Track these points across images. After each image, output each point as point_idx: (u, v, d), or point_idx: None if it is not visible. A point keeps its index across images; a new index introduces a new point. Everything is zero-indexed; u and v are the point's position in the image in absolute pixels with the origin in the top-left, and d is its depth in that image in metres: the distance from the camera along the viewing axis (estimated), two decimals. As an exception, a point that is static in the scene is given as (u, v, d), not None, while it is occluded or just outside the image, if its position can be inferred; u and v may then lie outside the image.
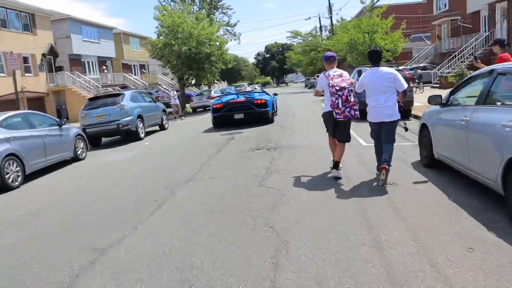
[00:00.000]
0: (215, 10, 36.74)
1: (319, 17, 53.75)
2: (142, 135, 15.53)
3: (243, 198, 5.89)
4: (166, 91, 39.45)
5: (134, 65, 46.79)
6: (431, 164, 6.76)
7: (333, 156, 6.91)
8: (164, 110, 18.58)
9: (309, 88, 59.90)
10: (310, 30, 50.32)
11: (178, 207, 5.82)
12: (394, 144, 6.23)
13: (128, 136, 15.46)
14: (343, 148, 6.73)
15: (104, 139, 16.39)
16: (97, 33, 38.22)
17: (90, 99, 15.71)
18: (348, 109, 6.36)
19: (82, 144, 12.31)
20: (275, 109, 17.13)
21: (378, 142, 6.45)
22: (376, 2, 26.80)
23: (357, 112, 6.49)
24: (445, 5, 37.96)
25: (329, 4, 44.14)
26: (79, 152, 11.99)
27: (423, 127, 7.16)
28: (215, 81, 61.78)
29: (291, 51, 67.76)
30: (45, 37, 31.66)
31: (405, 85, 6.21)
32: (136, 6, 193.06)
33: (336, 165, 6.63)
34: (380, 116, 6.17)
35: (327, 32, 49.73)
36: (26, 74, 29.62)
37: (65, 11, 41.32)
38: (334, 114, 6.48)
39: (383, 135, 6.24)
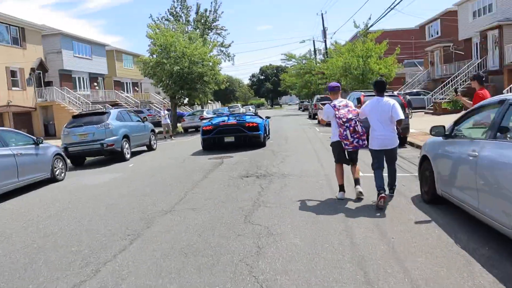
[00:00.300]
0: (209, 31, 36.44)
1: (313, 41, 53.79)
2: (127, 156, 14.87)
3: (225, 237, 5.22)
4: (158, 109, 38.91)
5: (126, 83, 46.30)
6: (433, 200, 6.19)
7: (339, 183, 6.92)
8: (152, 130, 17.96)
9: (303, 110, 59.74)
10: (305, 53, 50.44)
11: (150, 245, 5.14)
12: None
13: (113, 156, 14.80)
14: (356, 167, 6.89)
15: (88, 158, 15.71)
16: (89, 49, 37.77)
17: (74, 117, 15.07)
18: (356, 140, 6.49)
19: (60, 164, 11.61)
20: (267, 133, 16.59)
21: (380, 172, 6.45)
22: (370, 27, 26.65)
23: (365, 142, 6.59)
24: (438, 32, 38.13)
25: (323, 28, 44.23)
26: (57, 173, 11.29)
27: (424, 159, 6.59)
28: (209, 101, 61.48)
29: (285, 73, 67.89)
30: (35, 52, 31.12)
31: (401, 115, 6.43)
32: (132, 24, 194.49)
33: (356, 182, 6.78)
34: (384, 144, 6.45)
35: (321, 55, 49.77)
36: (14, 88, 28.97)
37: (62, 28, 40.77)
38: (343, 144, 6.60)
39: (387, 159, 6.60)
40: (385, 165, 6.67)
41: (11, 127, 27.78)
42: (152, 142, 17.70)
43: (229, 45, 38.02)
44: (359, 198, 6.66)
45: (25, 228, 6.54)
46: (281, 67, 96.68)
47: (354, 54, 26.53)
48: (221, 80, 29.59)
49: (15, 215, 7.65)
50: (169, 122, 24.63)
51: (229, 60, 35.63)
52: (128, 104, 39.91)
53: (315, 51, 51.79)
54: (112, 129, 14.22)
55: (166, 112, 24.84)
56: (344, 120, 6.49)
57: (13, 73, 29.18)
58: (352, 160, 6.89)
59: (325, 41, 43.90)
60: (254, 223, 5.72)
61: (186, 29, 31.15)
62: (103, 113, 14.79)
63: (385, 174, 6.60)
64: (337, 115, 6.57)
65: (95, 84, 38.95)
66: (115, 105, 38.03)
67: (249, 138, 14.57)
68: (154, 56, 27.74)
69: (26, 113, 30.29)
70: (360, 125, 6.59)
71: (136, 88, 48.09)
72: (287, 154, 12.85)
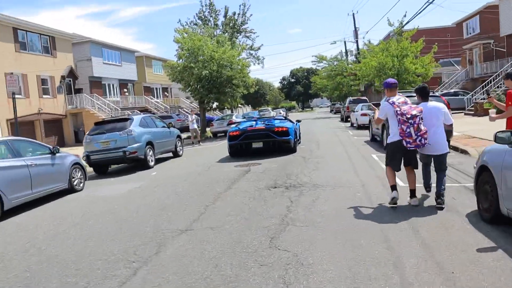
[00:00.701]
0: (238, 34, 35.77)
1: (345, 42, 52.58)
2: (151, 163, 14.24)
3: (245, 268, 4.33)
4: (187, 114, 38.52)
5: (156, 88, 46.27)
6: (496, 220, 5.13)
7: (391, 183, 6.39)
8: (178, 136, 17.31)
9: (334, 113, 58.33)
10: (336, 55, 49.13)
11: (156, 277, 4.31)
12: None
13: (137, 163, 14.22)
14: (413, 172, 6.45)
15: (112, 166, 15.20)
16: (119, 56, 37.81)
17: (97, 124, 14.57)
18: (419, 138, 6.07)
19: (79, 174, 11.05)
20: (298, 137, 15.65)
21: (427, 167, 6.65)
22: (405, 24, 25.26)
23: (427, 141, 6.15)
24: (477, 28, 36.19)
25: (355, 28, 42.88)
26: (75, 183, 10.73)
27: (483, 171, 5.53)
28: (239, 105, 60.92)
29: (316, 75, 66.63)
30: (65, 60, 31.27)
31: (452, 120, 6.59)
32: (164, 32, 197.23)
33: (412, 194, 6.36)
34: (433, 150, 6.30)
35: (353, 56, 48.35)
36: (44, 96, 29.11)
37: (96, 36, 40.90)
38: (405, 143, 6.15)
39: (436, 165, 6.40)
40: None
41: (42, 134, 27.97)
42: (178, 149, 17.05)
43: (259, 48, 37.23)
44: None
45: (26, 250, 5.86)
46: (312, 70, 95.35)
47: (388, 53, 25.19)
48: (250, 83, 28.80)
49: (22, 231, 7.02)
50: (196, 127, 24.05)
51: (258, 63, 34.75)
52: (158, 110, 39.75)
53: (346, 52, 50.43)
54: (135, 136, 13.63)
55: (194, 117, 24.27)
56: (408, 116, 6.02)
57: (43, 81, 29.34)
58: (411, 162, 6.42)
59: (356, 42, 42.54)
60: (280, 248, 4.81)
61: (214, 33, 30.50)
62: (126, 120, 14.22)
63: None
64: (398, 112, 6.07)
65: (125, 90, 38.98)
66: (144, 110, 37.94)
67: (278, 143, 13.67)
68: (182, 60, 27.25)
69: (57, 120, 30.39)
70: (423, 123, 6.13)
71: (166, 93, 48.03)
72: (319, 160, 11.88)
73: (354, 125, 25.64)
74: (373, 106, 8.54)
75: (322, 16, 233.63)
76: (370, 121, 16.79)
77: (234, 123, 25.25)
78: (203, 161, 14.44)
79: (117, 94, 38.02)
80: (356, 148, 14.39)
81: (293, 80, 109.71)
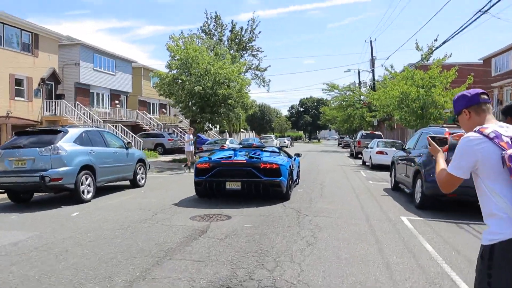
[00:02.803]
0: (244, 52, 31.94)
1: (359, 71, 48.45)
2: (88, 196, 9.93)
3: None
4: (182, 133, 34.38)
5: (153, 104, 42.32)
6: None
7: None
8: (141, 161, 13.00)
9: (343, 147, 54.07)
10: (348, 84, 44.99)
11: None
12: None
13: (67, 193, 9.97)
14: None
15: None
16: (113, 64, 34.00)
17: (18, 134, 10.32)
18: None
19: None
20: (294, 178, 11.29)
21: None
22: (434, 50, 21.08)
23: None
24: (508, 65, 32.03)
25: (372, 56, 38.83)
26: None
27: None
28: (241, 130, 56.80)
29: (326, 106, 62.65)
30: (48, 61, 27.42)
31: None
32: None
33: None
34: None
35: (367, 87, 44.31)
36: (17, 98, 25.17)
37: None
38: None
39: None
40: None
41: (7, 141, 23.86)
42: (138, 177, 12.72)
43: (265, 69, 33.45)
44: None
45: None
46: (322, 100, 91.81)
47: (413, 82, 20.95)
48: (249, 104, 24.60)
49: None
50: (192, 149, 19.89)
51: (263, 85, 30.85)
52: (150, 127, 35.66)
53: (359, 82, 46.35)
54: (63, 155, 9.38)
55: (191, 137, 20.05)
56: None
57: (18, 82, 25.45)
58: None
59: (373, 71, 38.48)
60: None
61: (215, 45, 26.55)
62: (56, 132, 10.00)
63: None
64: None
65: (117, 102, 34.98)
66: (134, 126, 33.90)
67: (264, 186, 9.31)
68: (174, 71, 23.18)
69: (28, 127, 26.25)
70: None
71: (163, 110, 44.03)
72: (321, 222, 7.49)
73: (367, 163, 21.28)
74: (429, 139, 2.79)
75: (336, 46, 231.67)
76: (393, 163, 12.43)
77: (227, 149, 20.98)
78: (160, 200, 10.09)
79: (107, 105, 34.05)
80: (375, 201, 10.00)
81: (302, 109, 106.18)
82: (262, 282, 4.45)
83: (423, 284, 4.48)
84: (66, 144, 9.65)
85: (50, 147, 9.32)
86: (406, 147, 11.57)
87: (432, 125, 14.02)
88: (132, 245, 5.86)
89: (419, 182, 9.19)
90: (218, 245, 5.86)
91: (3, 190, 9.87)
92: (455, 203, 9.18)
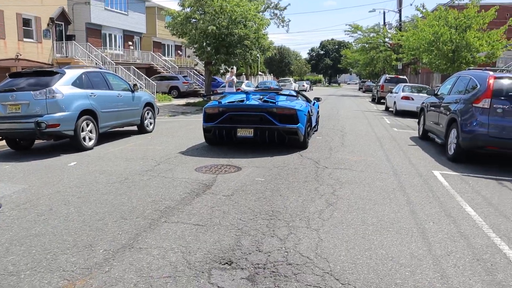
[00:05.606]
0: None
1: (384, 12, 45.69)
2: (89, 143, 9.23)
3: None
4: (200, 75, 33.27)
5: (168, 45, 40.94)
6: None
7: None
8: (149, 104, 12.17)
9: (364, 91, 52.29)
10: (372, 25, 42.46)
11: None
12: None
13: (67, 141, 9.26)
14: None
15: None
16: (125, 3, 32.44)
17: (12, 75, 9.47)
18: None
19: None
20: (312, 124, 10.33)
21: None
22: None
23: None
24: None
25: (400, -6, 36.19)
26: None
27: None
28: (259, 73, 55.20)
29: (347, 49, 60.04)
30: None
31: None
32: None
33: None
34: None
35: (392, 29, 41.85)
36: (26, 39, 24.23)
37: None
38: None
39: None
40: None
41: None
42: (146, 122, 11.95)
43: (285, 8, 31.33)
44: None
45: None
46: (344, 43, 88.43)
47: (446, 23, 19.12)
48: (266, 46, 23.20)
49: None
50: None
51: (283, 26, 28.90)
52: (165, 69, 34.55)
53: (384, 23, 43.74)
54: (59, 99, 8.57)
55: (233, 78, 19.08)
56: None
57: (26, 22, 24.41)
58: None
59: (400, 11, 36.00)
60: None
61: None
62: (52, 73, 9.13)
63: None
64: None
65: (130, 43, 33.75)
66: (149, 68, 32.88)
67: (279, 133, 8.42)
68: (188, 10, 21.78)
69: (40, 70, 25.57)
70: None
71: (179, 52, 42.60)
72: (343, 176, 6.62)
73: (391, 109, 20.08)
74: None
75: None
76: (422, 110, 11.31)
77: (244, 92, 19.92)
78: (166, 147, 9.32)
79: (119, 47, 32.93)
80: (402, 151, 9.04)
81: (322, 52, 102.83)
82: (271, 255, 3.66)
83: (470, 260, 3.63)
84: (63, 86, 8.81)
85: (45, 90, 8.49)
86: (439, 93, 10.41)
87: (471, 67, 12.67)
88: (124, 203, 5.11)
89: (453, 132, 8.15)
90: (223, 204, 5.08)
91: (1, 137, 9.25)
92: (491, 157, 8.18)
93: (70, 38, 27.44)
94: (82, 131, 9.07)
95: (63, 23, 27.35)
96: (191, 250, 3.75)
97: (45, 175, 6.69)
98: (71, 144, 9.12)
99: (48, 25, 25.70)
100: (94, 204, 5.10)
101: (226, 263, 3.52)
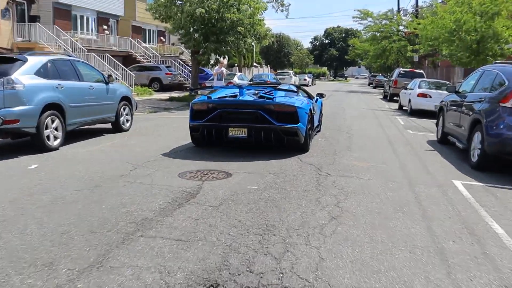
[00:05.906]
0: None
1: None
2: (54, 143, 9.14)
3: None
4: (185, 65, 33.27)
5: (149, 30, 40.98)
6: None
7: None
8: (125, 99, 12.12)
9: (374, 87, 52.57)
10: (385, 11, 42.72)
11: None
12: None
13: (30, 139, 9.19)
14: None
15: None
16: (99, -19, 32.44)
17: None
18: None
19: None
20: (315, 124, 10.36)
21: None
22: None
23: None
24: None
25: (418, -23, 36.45)
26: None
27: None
28: (255, 64, 55.35)
29: (356, 38, 60.34)
30: (18, -26, 26.04)
31: None
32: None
33: None
34: None
35: (408, 16, 42.14)
36: (-19, 21, 24.13)
37: None
38: None
39: None
40: None
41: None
42: (122, 119, 11.89)
43: (284, -10, 31.49)
44: None
45: None
46: (351, 31, 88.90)
47: (469, 9, 19.30)
48: (263, 33, 23.29)
49: None
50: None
51: (282, 10, 28.97)
52: (145, 57, 34.52)
53: (398, 9, 44.05)
54: (20, 91, 8.49)
55: (222, 70, 19.07)
56: None
57: (-19, 0, 24.32)
58: None
59: (416, -4, 36.25)
60: None
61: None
62: (11, 60, 9.06)
63: None
64: None
65: (105, 27, 33.75)
66: (126, 56, 32.85)
67: (276, 134, 8.41)
68: (172, -10, 21.83)
69: (-2, 56, 25.47)
70: None
71: (162, 38, 42.56)
72: (348, 185, 6.62)
73: (405, 108, 20.21)
74: None
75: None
76: (441, 109, 11.36)
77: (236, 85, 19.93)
78: (145, 149, 9.28)
79: (92, 31, 32.93)
80: (418, 157, 9.07)
81: (327, 41, 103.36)
82: (264, 277, 3.62)
83: (497, 287, 3.61)
84: (24, 76, 8.72)
85: (2, 80, 8.39)
86: (461, 90, 10.47)
87: (498, 61, 12.75)
88: (94, 214, 5.06)
89: (477, 135, 8.17)
90: (209, 216, 5.05)
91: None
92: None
93: (33, 19, 27.38)
94: (46, 128, 8.97)
95: (25, 2, 27.33)
96: (170, 270, 3.71)
97: (1, 180, 6.61)
98: (32, 143, 9.04)
99: (7, 3, 25.55)
100: (58, 214, 5.04)
101: (211, 285, 3.49)
